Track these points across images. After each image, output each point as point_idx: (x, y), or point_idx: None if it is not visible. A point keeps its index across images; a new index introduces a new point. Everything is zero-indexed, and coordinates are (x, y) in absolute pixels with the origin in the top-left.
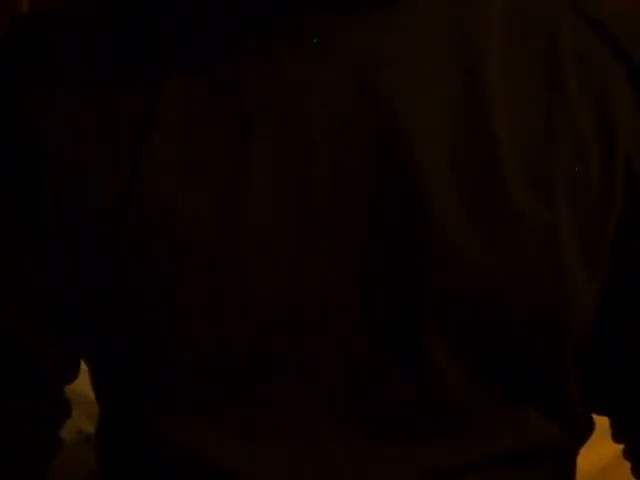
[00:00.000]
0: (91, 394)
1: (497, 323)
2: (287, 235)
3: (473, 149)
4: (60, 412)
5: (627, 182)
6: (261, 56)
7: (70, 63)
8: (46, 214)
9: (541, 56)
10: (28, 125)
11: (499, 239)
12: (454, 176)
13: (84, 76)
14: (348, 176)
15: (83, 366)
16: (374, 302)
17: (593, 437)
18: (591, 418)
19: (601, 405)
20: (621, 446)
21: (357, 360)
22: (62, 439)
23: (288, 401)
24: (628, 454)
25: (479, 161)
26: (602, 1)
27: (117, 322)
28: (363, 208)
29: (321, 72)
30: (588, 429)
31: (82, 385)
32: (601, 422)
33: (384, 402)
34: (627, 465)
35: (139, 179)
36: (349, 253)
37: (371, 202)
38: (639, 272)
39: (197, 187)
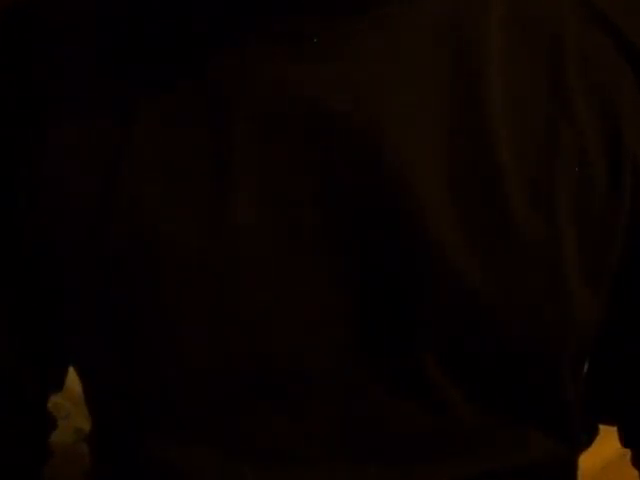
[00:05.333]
0: None
1: (496, 340)
2: (272, 253)
3: (471, 160)
4: (43, 426)
5: (634, 186)
6: (255, 69)
7: (52, 70)
8: (25, 227)
9: (544, 58)
10: (14, 126)
11: (498, 255)
12: (451, 193)
13: (69, 78)
14: (336, 193)
15: None
16: (368, 322)
17: None
18: (593, 427)
19: (607, 414)
20: (621, 445)
21: (353, 380)
22: (51, 450)
23: (286, 421)
24: (636, 460)
25: (477, 173)
26: None
27: (101, 337)
28: (352, 224)
29: (320, 73)
30: (590, 439)
31: (81, 385)
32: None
33: (381, 422)
34: (628, 465)
35: (118, 191)
36: (339, 273)
37: (364, 224)
38: None
39: (178, 200)
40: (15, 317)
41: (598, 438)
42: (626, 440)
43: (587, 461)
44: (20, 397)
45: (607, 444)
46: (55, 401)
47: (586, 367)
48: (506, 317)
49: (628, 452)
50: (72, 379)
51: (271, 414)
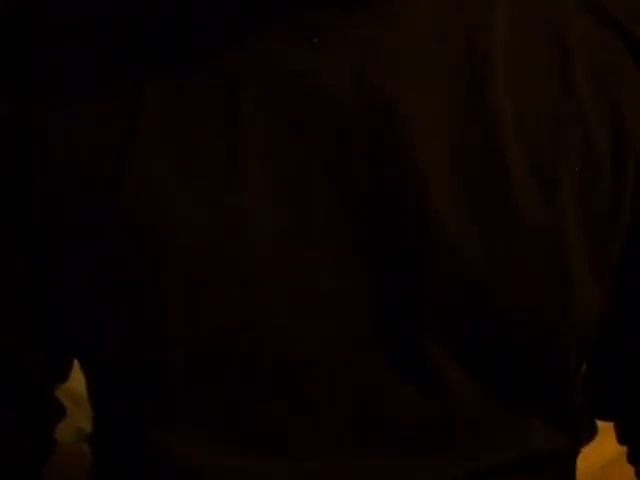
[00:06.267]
0: None
1: (497, 324)
2: (280, 245)
3: (476, 147)
4: (52, 414)
5: (637, 181)
6: (260, 56)
7: (55, 64)
8: (31, 218)
9: (548, 51)
10: (13, 127)
11: (501, 241)
12: (455, 174)
13: (70, 78)
14: (344, 181)
15: None
16: (372, 310)
17: None
18: (594, 422)
19: (605, 409)
20: (621, 444)
21: (355, 373)
22: (57, 440)
23: (288, 416)
24: (632, 457)
25: (482, 160)
26: None
27: (102, 331)
28: (360, 214)
29: (320, 72)
30: (590, 433)
31: (82, 385)
32: (601, 421)
33: (383, 413)
34: (627, 464)
35: (123, 184)
36: (346, 259)
37: (369, 204)
38: None
39: (185, 193)
40: (18, 302)
41: (597, 437)
42: (623, 437)
43: (587, 460)
44: (24, 382)
45: (606, 443)
46: None
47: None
48: (507, 300)
49: None
50: (73, 379)
51: (272, 402)
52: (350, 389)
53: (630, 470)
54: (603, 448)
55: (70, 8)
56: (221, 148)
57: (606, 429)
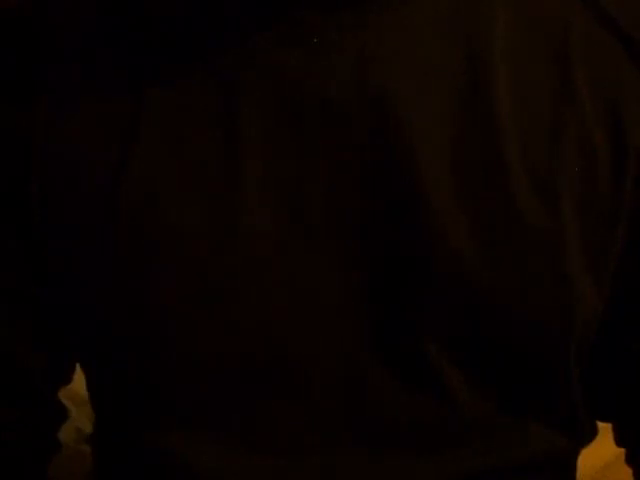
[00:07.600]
0: None
1: (496, 325)
2: (280, 247)
3: (475, 149)
4: (55, 416)
5: (637, 180)
6: (260, 56)
7: (55, 66)
8: (31, 218)
9: (549, 54)
10: (13, 128)
11: (500, 243)
12: (454, 175)
13: (70, 79)
14: (344, 182)
15: None
16: (372, 315)
17: None
18: (594, 422)
19: (603, 410)
20: (619, 446)
21: (355, 373)
22: (60, 441)
23: (287, 416)
24: (630, 458)
25: (481, 163)
26: None
27: (103, 332)
28: (360, 216)
29: (321, 73)
30: (590, 433)
31: (82, 385)
32: (601, 421)
33: (381, 414)
34: (626, 465)
35: (123, 185)
36: (343, 258)
37: (368, 209)
38: None
39: (184, 194)
40: (18, 302)
41: (597, 438)
42: (621, 438)
43: (587, 461)
44: (26, 384)
45: (606, 444)
46: None
47: None
48: (506, 301)
49: None
50: (74, 379)
51: (272, 402)
52: (350, 389)
53: (629, 471)
54: (603, 448)
55: (70, 10)
56: (221, 149)
57: (606, 429)
